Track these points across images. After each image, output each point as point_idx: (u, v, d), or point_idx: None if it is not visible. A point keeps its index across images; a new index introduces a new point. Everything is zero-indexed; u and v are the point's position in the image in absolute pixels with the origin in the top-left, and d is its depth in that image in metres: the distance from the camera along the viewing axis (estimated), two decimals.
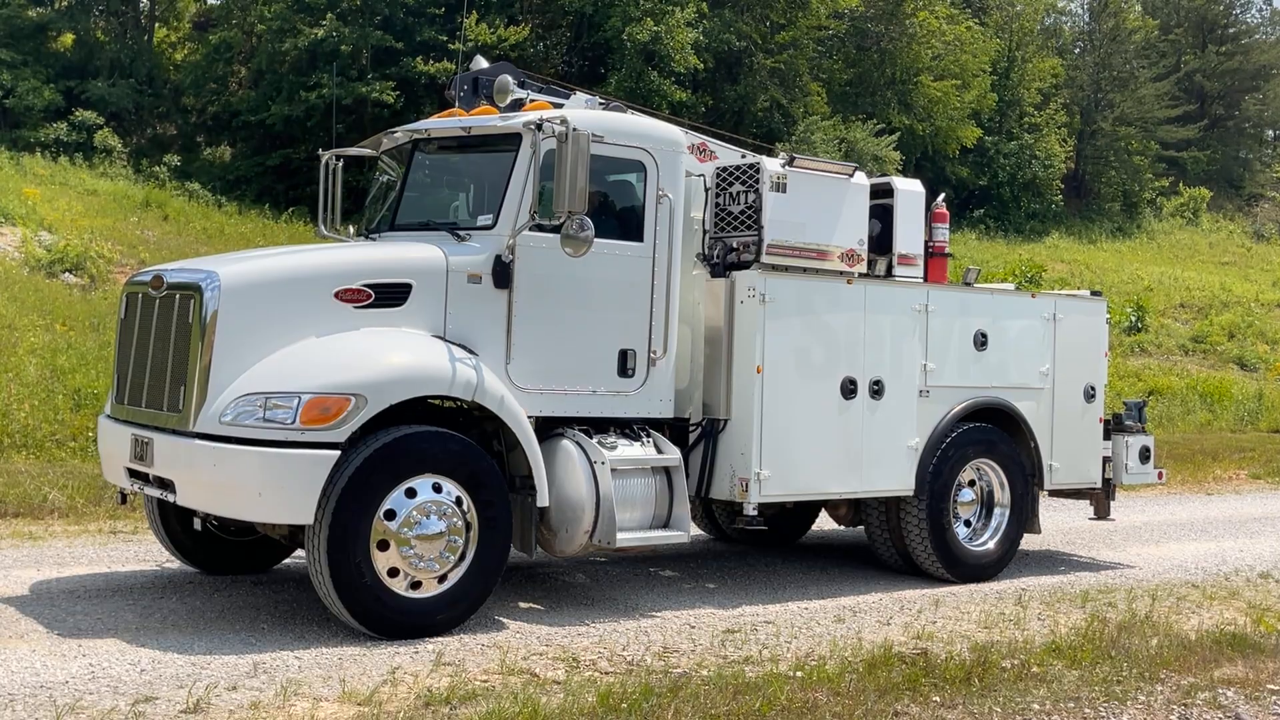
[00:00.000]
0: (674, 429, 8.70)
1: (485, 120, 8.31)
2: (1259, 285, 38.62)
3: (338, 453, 6.93)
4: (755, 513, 8.74)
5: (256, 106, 31.46)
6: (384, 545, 7.04)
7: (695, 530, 10.37)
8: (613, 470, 7.86)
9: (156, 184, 27.84)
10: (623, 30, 31.22)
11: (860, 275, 9.34)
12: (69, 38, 33.33)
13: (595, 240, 7.60)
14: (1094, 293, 11.26)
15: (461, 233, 7.95)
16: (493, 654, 6.92)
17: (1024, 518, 10.13)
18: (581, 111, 8.48)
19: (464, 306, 7.68)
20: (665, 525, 8.20)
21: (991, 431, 9.93)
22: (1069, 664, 7.01)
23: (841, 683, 6.40)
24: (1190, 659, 7.19)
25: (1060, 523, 12.84)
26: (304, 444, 6.87)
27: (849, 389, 9.12)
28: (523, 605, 8.30)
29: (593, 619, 7.98)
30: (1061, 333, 10.41)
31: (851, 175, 9.32)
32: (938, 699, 6.26)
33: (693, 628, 7.85)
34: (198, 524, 8.19)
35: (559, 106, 8.53)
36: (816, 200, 9.08)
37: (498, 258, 7.74)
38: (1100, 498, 10.98)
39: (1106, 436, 10.78)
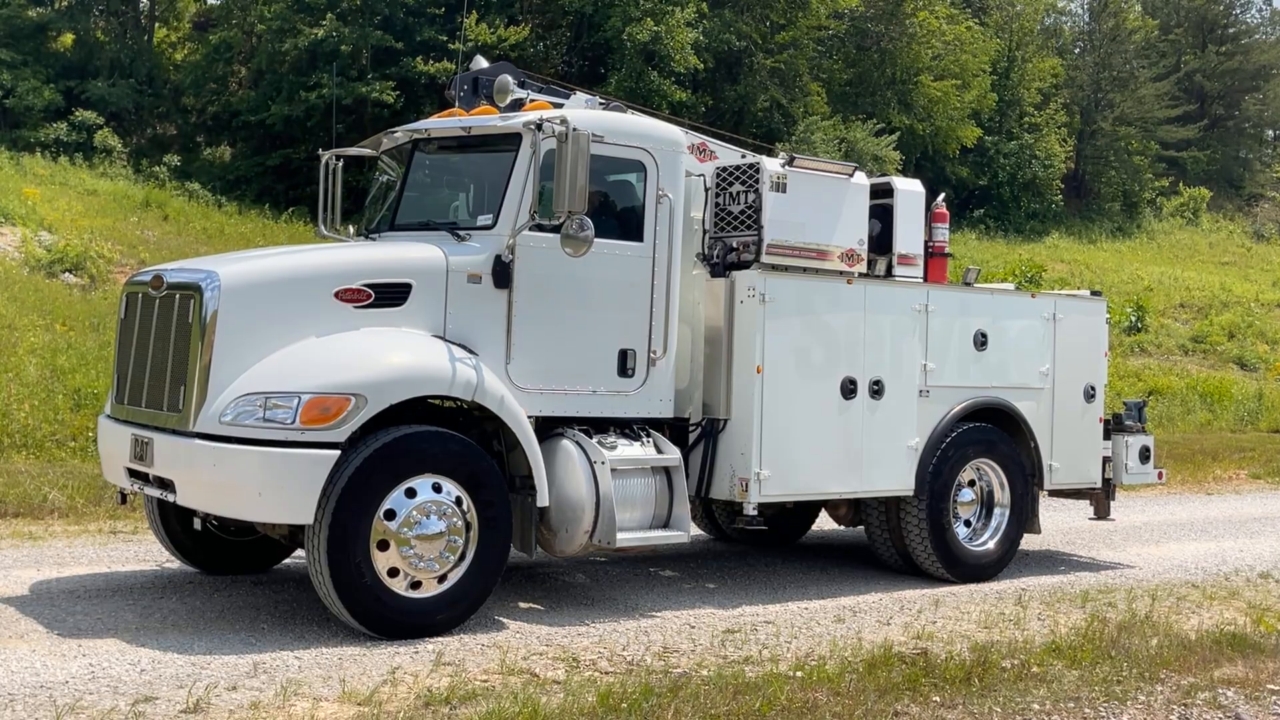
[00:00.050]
0: (674, 429, 8.70)
1: (485, 120, 8.31)
2: (1259, 285, 38.62)
3: (338, 453, 6.93)
4: (755, 513, 8.74)
5: (256, 106, 31.46)
6: (384, 545, 7.04)
7: (695, 530, 10.37)
8: (613, 470, 7.86)
9: (156, 184, 27.83)
10: (623, 30, 31.21)
11: (860, 275, 9.34)
12: (69, 38, 33.33)
13: (595, 240, 7.60)
14: (1094, 293, 11.27)
15: (461, 233, 7.95)
16: (493, 654, 6.91)
17: (1024, 518, 10.14)
18: (581, 111, 8.47)
19: (464, 306, 7.68)
20: (665, 525, 8.20)
21: (991, 431, 9.93)
22: (1069, 664, 7.00)
23: (841, 683, 6.40)
24: (1190, 659, 7.19)
25: (1060, 523, 12.84)
26: (304, 444, 6.87)
27: (849, 389, 9.12)
28: (523, 605, 8.30)
29: (593, 619, 7.98)
30: (1061, 333, 10.41)
31: (851, 175, 9.32)
32: (938, 699, 6.26)
33: (693, 628, 7.85)
34: (198, 524, 8.19)
35: (559, 106, 8.53)
36: (816, 200, 9.08)
37: (498, 258, 7.74)
38: (1100, 498, 10.99)
39: (1106, 436, 10.79)
